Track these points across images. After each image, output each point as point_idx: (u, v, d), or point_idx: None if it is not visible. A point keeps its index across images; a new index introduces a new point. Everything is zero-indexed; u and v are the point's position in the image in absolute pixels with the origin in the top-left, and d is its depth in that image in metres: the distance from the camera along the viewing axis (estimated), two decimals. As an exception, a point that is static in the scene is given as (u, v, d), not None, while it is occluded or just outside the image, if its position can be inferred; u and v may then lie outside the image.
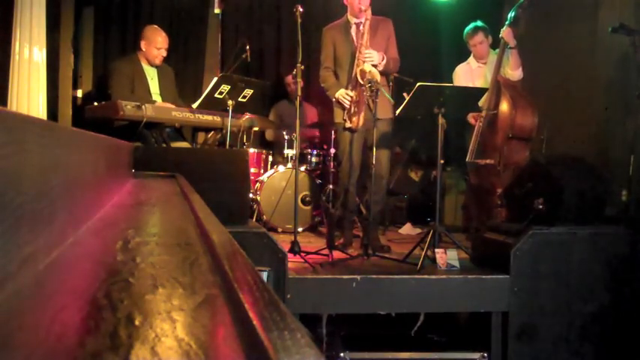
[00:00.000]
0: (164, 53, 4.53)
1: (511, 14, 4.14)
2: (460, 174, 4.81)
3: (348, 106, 3.79)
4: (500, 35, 4.16)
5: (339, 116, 3.90)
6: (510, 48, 4.15)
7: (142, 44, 4.50)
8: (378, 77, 3.70)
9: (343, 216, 3.98)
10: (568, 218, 3.11)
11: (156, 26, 4.60)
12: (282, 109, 5.67)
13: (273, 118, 5.59)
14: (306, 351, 0.39)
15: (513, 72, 4.20)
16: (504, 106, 4.00)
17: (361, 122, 3.78)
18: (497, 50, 4.19)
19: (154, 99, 4.47)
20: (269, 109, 5.69)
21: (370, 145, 3.84)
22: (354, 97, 3.77)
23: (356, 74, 3.75)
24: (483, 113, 4.12)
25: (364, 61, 3.74)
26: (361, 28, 3.78)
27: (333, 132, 4.78)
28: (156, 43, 4.47)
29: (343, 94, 3.80)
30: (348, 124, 3.81)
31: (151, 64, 4.52)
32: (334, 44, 3.91)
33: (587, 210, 3.15)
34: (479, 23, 4.40)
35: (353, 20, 3.88)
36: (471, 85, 4.35)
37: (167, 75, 4.69)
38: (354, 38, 3.86)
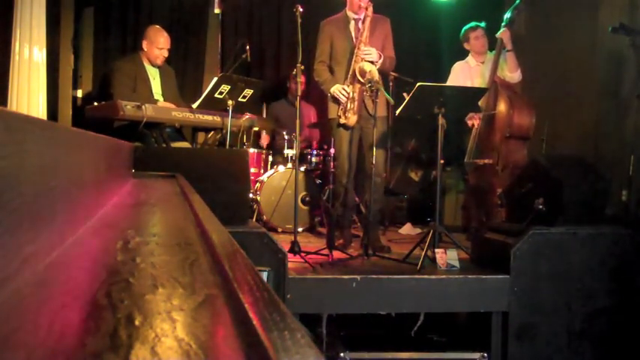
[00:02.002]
0: (165, 54, 4.52)
1: (507, 15, 4.15)
2: (460, 174, 4.81)
3: (344, 102, 3.78)
4: (497, 35, 4.17)
5: (333, 112, 3.88)
6: (507, 51, 4.15)
7: (144, 44, 4.48)
8: (376, 75, 3.69)
9: (341, 214, 3.98)
10: (568, 218, 3.11)
11: (158, 26, 4.59)
12: (278, 109, 5.66)
13: (269, 118, 5.58)
14: (306, 351, 0.39)
15: (512, 74, 4.21)
16: (502, 106, 4.02)
17: (355, 119, 3.78)
18: (495, 51, 4.19)
19: (156, 99, 4.47)
20: (266, 109, 5.68)
21: (366, 143, 3.84)
22: (350, 94, 3.76)
23: (354, 71, 3.74)
24: (481, 114, 4.13)
25: (362, 59, 3.74)
26: (360, 24, 3.78)
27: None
28: (158, 43, 4.46)
29: (339, 89, 3.79)
30: (342, 120, 3.80)
31: (153, 65, 4.52)
32: (332, 39, 3.89)
33: (587, 210, 3.15)
34: (474, 23, 4.44)
35: (352, 16, 3.87)
36: (469, 82, 4.36)
37: (169, 75, 4.69)
38: (353, 34, 3.85)
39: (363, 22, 3.75)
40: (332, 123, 3.92)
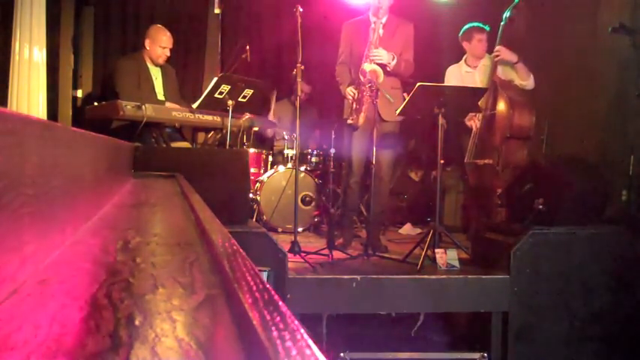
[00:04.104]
0: (168, 53, 4.52)
1: (506, 14, 4.13)
2: (460, 174, 4.81)
3: (350, 103, 3.81)
4: (495, 55, 4.10)
5: (345, 112, 3.95)
6: (515, 63, 4.12)
7: (147, 43, 4.48)
8: (381, 77, 3.69)
9: (343, 214, 3.99)
10: (568, 218, 3.11)
11: (160, 25, 4.59)
12: (281, 109, 5.66)
13: (273, 118, 5.58)
14: (306, 351, 0.39)
15: (526, 82, 4.16)
16: (502, 106, 4.01)
17: (362, 120, 3.78)
18: (492, 54, 4.17)
19: (159, 99, 4.47)
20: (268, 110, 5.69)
21: (367, 146, 3.83)
22: (355, 95, 3.78)
23: (359, 73, 3.76)
24: (481, 114, 4.12)
25: (372, 61, 3.74)
26: (372, 26, 3.80)
27: (332, 132, 4.79)
28: (160, 42, 4.46)
29: (347, 91, 3.84)
30: (350, 121, 3.84)
31: (155, 64, 4.52)
32: (351, 40, 3.93)
33: (587, 210, 3.15)
34: (485, 26, 4.36)
35: (373, 19, 3.89)
36: None
37: (170, 75, 4.69)
38: (372, 37, 3.88)
39: (375, 25, 3.78)
40: (345, 123, 3.97)
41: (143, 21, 5.47)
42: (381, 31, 3.82)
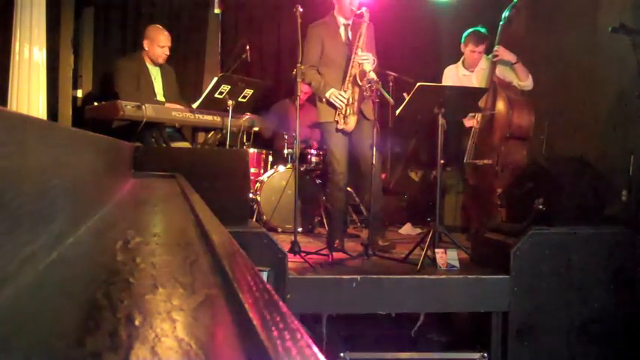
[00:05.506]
0: (167, 52, 4.52)
1: (505, 14, 4.13)
2: (460, 174, 4.81)
3: (341, 108, 3.73)
4: (493, 55, 4.10)
5: (327, 116, 3.79)
6: (513, 64, 4.11)
7: (145, 43, 4.49)
8: (375, 76, 3.68)
9: (334, 217, 3.94)
10: (568, 218, 3.11)
11: (158, 25, 4.60)
12: (281, 109, 5.66)
13: (273, 118, 5.58)
14: (306, 351, 0.39)
15: (524, 82, 4.16)
16: (501, 106, 4.01)
17: (354, 123, 3.74)
18: (490, 55, 4.17)
19: (159, 99, 4.47)
20: (268, 109, 5.68)
21: (364, 144, 3.79)
22: (349, 100, 3.74)
23: (353, 76, 3.71)
24: (480, 114, 4.12)
25: (360, 64, 3.71)
26: (350, 30, 3.77)
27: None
28: (159, 41, 4.46)
29: (336, 94, 3.72)
30: (341, 126, 3.73)
31: (154, 64, 4.52)
32: (322, 43, 3.82)
33: (587, 210, 3.15)
34: (484, 30, 4.34)
35: (341, 21, 3.85)
36: None
37: (169, 75, 4.69)
38: (343, 39, 3.83)
39: (359, 28, 3.73)
40: (326, 126, 3.84)
41: (143, 21, 5.46)
42: (348, 33, 3.78)
